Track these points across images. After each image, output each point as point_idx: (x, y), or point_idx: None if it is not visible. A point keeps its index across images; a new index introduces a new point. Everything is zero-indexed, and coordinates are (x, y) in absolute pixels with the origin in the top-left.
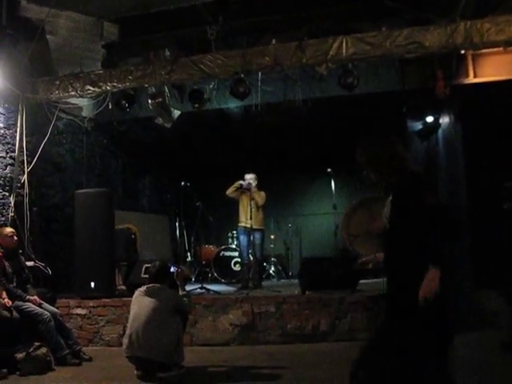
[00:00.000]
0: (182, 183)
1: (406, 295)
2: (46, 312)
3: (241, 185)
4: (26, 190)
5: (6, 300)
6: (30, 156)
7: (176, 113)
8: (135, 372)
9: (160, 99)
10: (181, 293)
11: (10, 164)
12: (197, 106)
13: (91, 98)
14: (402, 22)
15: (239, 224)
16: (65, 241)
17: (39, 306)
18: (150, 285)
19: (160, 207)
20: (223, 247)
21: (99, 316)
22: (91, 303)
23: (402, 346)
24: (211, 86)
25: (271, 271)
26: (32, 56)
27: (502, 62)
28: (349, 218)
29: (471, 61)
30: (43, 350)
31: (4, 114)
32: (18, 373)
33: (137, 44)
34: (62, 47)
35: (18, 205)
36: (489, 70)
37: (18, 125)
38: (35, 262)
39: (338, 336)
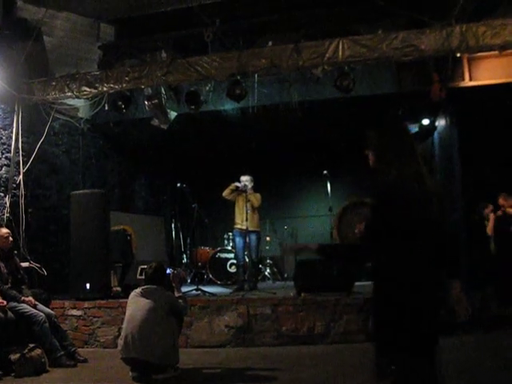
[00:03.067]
0: (178, 185)
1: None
2: (41, 313)
3: (236, 187)
4: (22, 190)
5: (0, 301)
6: (26, 157)
7: (172, 114)
8: (130, 373)
9: (156, 101)
10: (176, 294)
11: (5, 165)
12: (193, 107)
13: (87, 99)
14: (398, 25)
15: (235, 226)
16: (60, 242)
17: (34, 307)
18: (146, 286)
19: (156, 208)
20: (219, 249)
21: (94, 317)
22: (86, 304)
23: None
24: (207, 88)
25: (267, 273)
26: (28, 57)
27: (497, 66)
28: (339, 219)
29: (467, 64)
30: (38, 351)
31: (0, 115)
32: (12, 374)
33: (133, 45)
34: (59, 48)
35: (14, 206)
36: (484, 73)
37: (14, 125)
38: (30, 263)
39: (333, 338)
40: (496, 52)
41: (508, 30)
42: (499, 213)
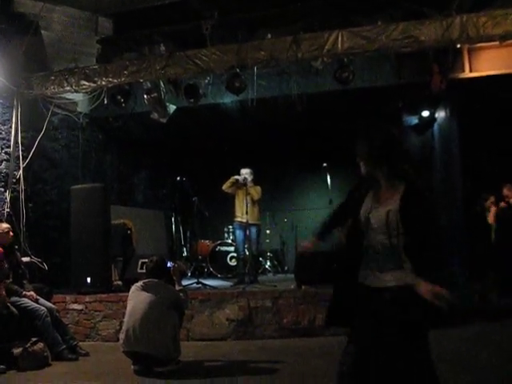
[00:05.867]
0: (178, 178)
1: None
2: (43, 307)
3: (236, 180)
4: (22, 185)
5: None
6: (26, 151)
7: (171, 108)
8: (132, 367)
9: (155, 94)
10: (177, 288)
11: (5, 160)
12: (192, 100)
13: (86, 93)
14: (397, 16)
15: (235, 219)
16: (61, 236)
17: (36, 301)
18: (147, 280)
19: (156, 202)
20: (219, 242)
21: (95, 311)
22: (87, 298)
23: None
24: (206, 81)
25: (267, 266)
26: (26, 51)
27: (497, 56)
28: None
29: (467, 55)
30: (40, 345)
31: None
32: (15, 368)
33: (132, 39)
34: (57, 42)
35: (14, 200)
36: (485, 64)
37: (13, 120)
38: (31, 258)
39: (334, 330)
40: (496, 43)
41: (509, 20)
42: (503, 204)
